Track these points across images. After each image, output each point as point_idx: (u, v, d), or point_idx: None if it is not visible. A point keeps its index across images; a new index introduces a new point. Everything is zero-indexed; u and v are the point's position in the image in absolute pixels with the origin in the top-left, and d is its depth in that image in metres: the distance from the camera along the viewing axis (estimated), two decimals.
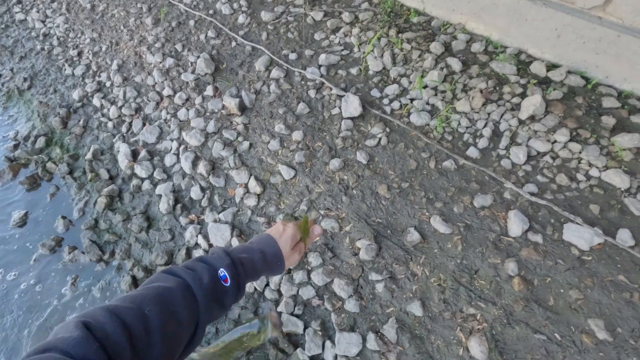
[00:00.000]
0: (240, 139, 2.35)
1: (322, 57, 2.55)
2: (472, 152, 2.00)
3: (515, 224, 1.72)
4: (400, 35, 2.58)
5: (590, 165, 1.86)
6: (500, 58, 2.32)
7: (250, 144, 2.31)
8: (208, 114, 2.52)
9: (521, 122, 2.06)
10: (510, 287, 1.62)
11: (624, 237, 1.63)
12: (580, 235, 1.65)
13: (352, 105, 2.23)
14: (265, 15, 2.93)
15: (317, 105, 2.37)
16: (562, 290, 1.58)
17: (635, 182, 1.77)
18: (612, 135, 1.92)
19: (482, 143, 2.02)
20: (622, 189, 1.78)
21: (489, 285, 1.65)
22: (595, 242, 1.64)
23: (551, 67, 2.26)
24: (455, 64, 2.34)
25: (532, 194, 1.81)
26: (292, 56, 2.63)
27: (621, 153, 1.87)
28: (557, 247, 1.68)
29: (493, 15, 2.41)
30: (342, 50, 2.61)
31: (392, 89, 2.31)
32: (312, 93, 2.42)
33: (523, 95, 2.15)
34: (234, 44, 2.84)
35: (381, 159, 2.08)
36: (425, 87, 2.30)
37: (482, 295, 1.64)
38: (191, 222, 2.15)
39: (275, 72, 2.55)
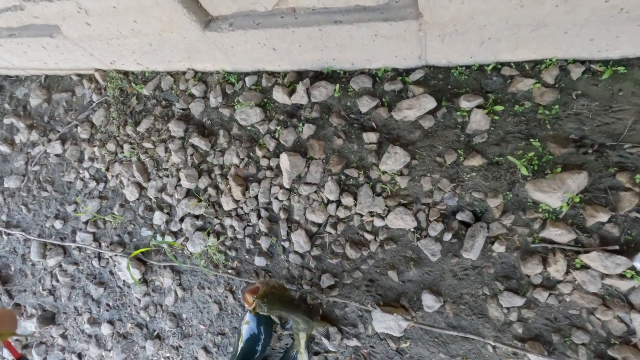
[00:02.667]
0: (67, 355, 2.09)
1: (82, 210, 2.12)
2: (259, 261, 1.68)
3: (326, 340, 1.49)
4: (138, 128, 2.07)
5: (371, 215, 1.52)
6: (241, 104, 1.82)
7: (79, 355, 2.06)
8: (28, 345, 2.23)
9: (290, 191, 1.67)
10: None
11: (429, 302, 1.38)
12: (387, 325, 1.41)
13: (126, 273, 1.88)
14: (10, 182, 2.42)
15: (108, 277, 2.03)
16: None
17: (422, 214, 1.45)
18: (380, 155, 1.53)
19: (265, 243, 1.68)
20: (412, 230, 1.46)
21: None
22: (405, 325, 1.39)
23: (295, 81, 1.77)
24: (200, 142, 1.88)
25: (330, 287, 1.53)
26: (58, 224, 2.20)
27: (394, 182, 1.50)
28: (376, 343, 1.45)
29: (203, 54, 1.85)
30: (96, 185, 2.15)
31: (158, 218, 1.92)
32: (96, 263, 2.06)
33: (279, 150, 1.73)
34: (5, 237, 2.41)
35: (188, 315, 1.80)
36: (187, 195, 1.88)
37: None
38: None
39: (52, 259, 2.16)
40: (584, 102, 1.32)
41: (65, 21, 1.84)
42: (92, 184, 2.17)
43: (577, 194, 1.24)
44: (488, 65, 1.47)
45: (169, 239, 1.87)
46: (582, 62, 1.35)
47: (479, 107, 1.44)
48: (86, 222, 2.13)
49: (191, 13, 1.59)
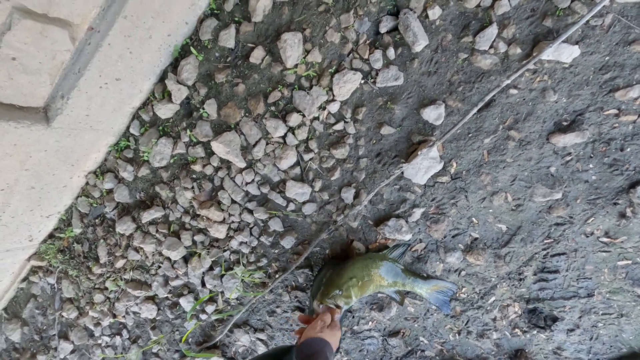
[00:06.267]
0: None
1: None
2: (287, 242, 1.51)
3: None
4: (101, 261, 1.88)
5: (322, 108, 1.36)
6: (147, 152, 1.64)
7: None
8: None
9: (250, 166, 1.50)
10: None
11: (432, 115, 1.22)
12: (425, 170, 1.25)
13: None
14: None
15: None
16: None
17: (357, 61, 1.29)
18: (278, 59, 1.36)
19: (276, 224, 1.51)
20: (362, 81, 1.30)
21: None
22: (437, 153, 1.24)
23: (165, 88, 1.59)
24: (151, 214, 1.70)
25: (356, 197, 1.37)
26: None
27: (310, 64, 1.33)
28: (434, 192, 1.30)
29: (78, 149, 1.67)
30: (120, 338, 1.96)
31: (185, 304, 1.74)
32: None
33: (209, 149, 1.55)
34: None
35: (285, 342, 1.63)
36: (185, 262, 1.70)
37: None
38: None
39: None
40: None
41: None
42: (117, 339, 1.98)
43: None
44: None
45: (209, 309, 1.69)
46: None
47: None
48: None
49: (21, 120, 1.41)
